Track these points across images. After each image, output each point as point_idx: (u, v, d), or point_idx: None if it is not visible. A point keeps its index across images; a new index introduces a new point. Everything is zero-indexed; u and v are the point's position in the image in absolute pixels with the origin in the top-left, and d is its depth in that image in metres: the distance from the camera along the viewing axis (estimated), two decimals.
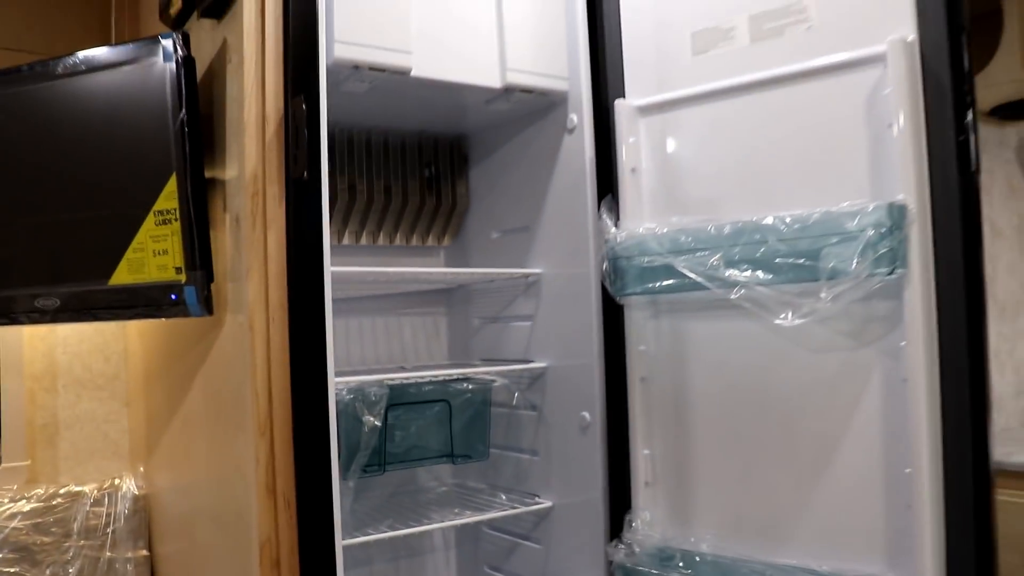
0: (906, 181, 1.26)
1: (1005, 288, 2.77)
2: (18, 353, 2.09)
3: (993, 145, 2.75)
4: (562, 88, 1.66)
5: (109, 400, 2.20)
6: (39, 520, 1.94)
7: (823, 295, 1.26)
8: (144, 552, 2.00)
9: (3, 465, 2.04)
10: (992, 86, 2.38)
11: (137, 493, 2.04)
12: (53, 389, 2.15)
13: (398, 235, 1.95)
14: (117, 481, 2.06)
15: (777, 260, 1.32)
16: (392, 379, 1.58)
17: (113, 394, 2.20)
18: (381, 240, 1.93)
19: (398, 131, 1.91)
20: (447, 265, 2.02)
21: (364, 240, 1.90)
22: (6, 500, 1.94)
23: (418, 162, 1.93)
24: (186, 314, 1.47)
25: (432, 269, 1.94)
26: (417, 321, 2.01)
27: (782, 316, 1.32)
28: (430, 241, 2.00)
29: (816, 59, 1.38)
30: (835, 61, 1.36)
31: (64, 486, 2.02)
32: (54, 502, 1.98)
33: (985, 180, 2.69)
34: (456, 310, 2.03)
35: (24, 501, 1.95)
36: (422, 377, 1.66)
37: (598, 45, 1.64)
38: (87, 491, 2.02)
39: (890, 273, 1.25)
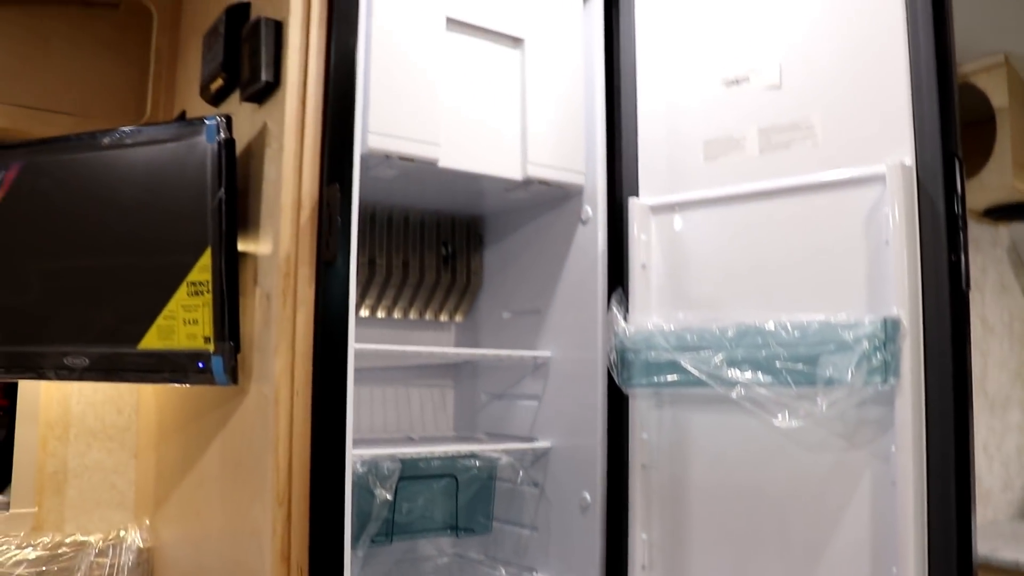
0: (900, 296, 1.35)
1: (995, 382, 2.84)
2: (35, 400, 2.14)
3: (986, 244, 2.84)
4: (579, 182, 1.76)
5: (119, 451, 2.24)
6: (44, 568, 1.98)
7: (819, 401, 1.34)
8: None
9: (11, 511, 2.08)
10: (985, 189, 2.48)
11: (142, 545, 2.08)
12: (65, 437, 2.20)
13: (413, 309, 2.03)
14: (122, 532, 2.10)
15: (777, 363, 1.40)
16: (405, 454, 1.64)
17: (123, 445, 2.25)
18: (396, 314, 2.01)
19: (418, 209, 1.99)
20: (458, 340, 2.10)
21: (380, 313, 1.98)
22: (12, 547, 1.98)
23: (435, 239, 2.01)
24: (212, 382, 1.53)
25: (447, 349, 2.02)
26: (426, 392, 2.08)
27: (779, 417, 1.39)
28: (443, 316, 2.08)
29: (820, 174, 1.47)
30: (837, 178, 1.45)
31: (70, 535, 2.06)
32: (60, 551, 2.02)
33: (978, 277, 2.79)
34: (464, 384, 2.10)
35: (30, 549, 1.99)
36: (433, 453, 1.72)
37: (615, 145, 1.74)
38: (92, 541, 2.06)
39: (883, 383, 1.32)
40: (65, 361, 1.65)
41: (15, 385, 2.13)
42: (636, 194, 1.69)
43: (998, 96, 2.39)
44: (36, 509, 2.12)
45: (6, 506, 2.09)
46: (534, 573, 1.81)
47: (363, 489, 1.55)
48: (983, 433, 2.75)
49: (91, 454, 2.21)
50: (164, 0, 2.23)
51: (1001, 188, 2.45)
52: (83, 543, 2.05)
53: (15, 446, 2.10)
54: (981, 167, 2.46)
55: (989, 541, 2.30)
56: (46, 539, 2.03)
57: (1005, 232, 2.93)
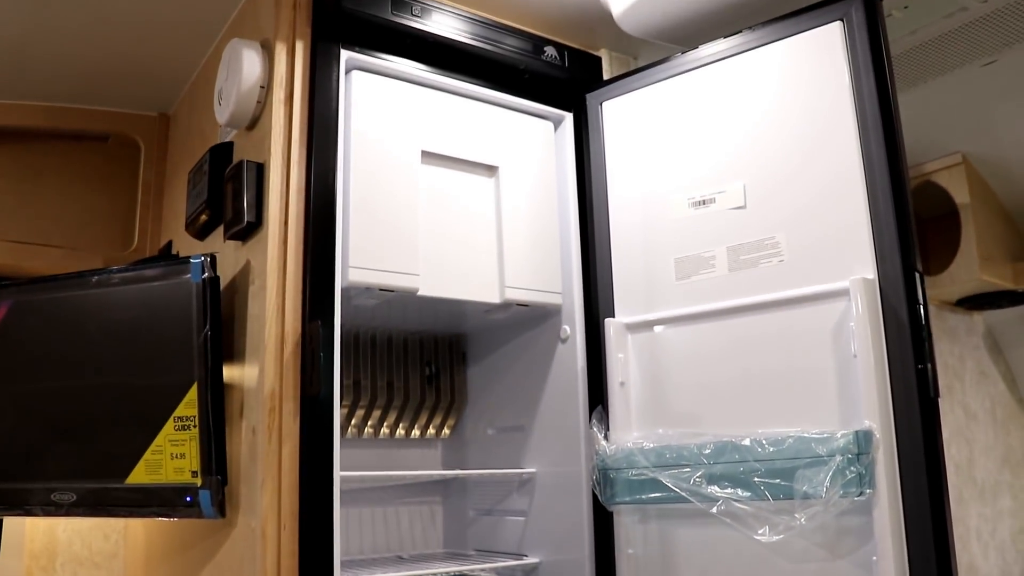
0: (870, 408, 1.38)
1: (983, 469, 2.86)
2: (20, 530, 2.13)
3: (962, 333, 2.90)
4: (556, 302, 1.81)
5: None
6: None
7: (798, 515, 1.36)
8: None
9: None
10: (956, 283, 2.55)
11: None
12: (51, 568, 2.18)
13: (399, 428, 2.05)
14: None
15: (755, 479, 1.43)
16: None
17: (111, 573, 2.23)
18: (382, 433, 2.03)
19: (401, 331, 2.04)
20: (445, 456, 2.11)
21: (366, 433, 2.00)
22: None
23: (419, 359, 2.05)
24: (200, 516, 1.54)
25: (431, 472, 2.04)
26: (415, 510, 2.09)
27: (760, 532, 1.41)
28: (429, 433, 2.10)
29: (786, 290, 1.52)
30: (803, 293, 1.50)
31: None
32: None
33: (957, 366, 2.83)
34: (452, 501, 2.11)
35: None
36: (422, 575, 1.72)
37: (590, 265, 1.80)
38: None
39: (859, 495, 1.35)
40: (52, 497, 1.65)
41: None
42: (612, 313, 1.74)
43: (959, 193, 2.48)
44: None
45: None
46: None
47: None
48: (975, 521, 2.76)
49: None
50: (151, 134, 2.30)
51: (969, 281, 2.51)
52: None
53: None
54: (950, 261, 2.53)
55: None
56: None
57: (980, 319, 2.99)
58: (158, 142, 2.30)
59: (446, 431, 2.12)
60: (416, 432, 2.08)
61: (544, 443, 1.85)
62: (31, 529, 2.15)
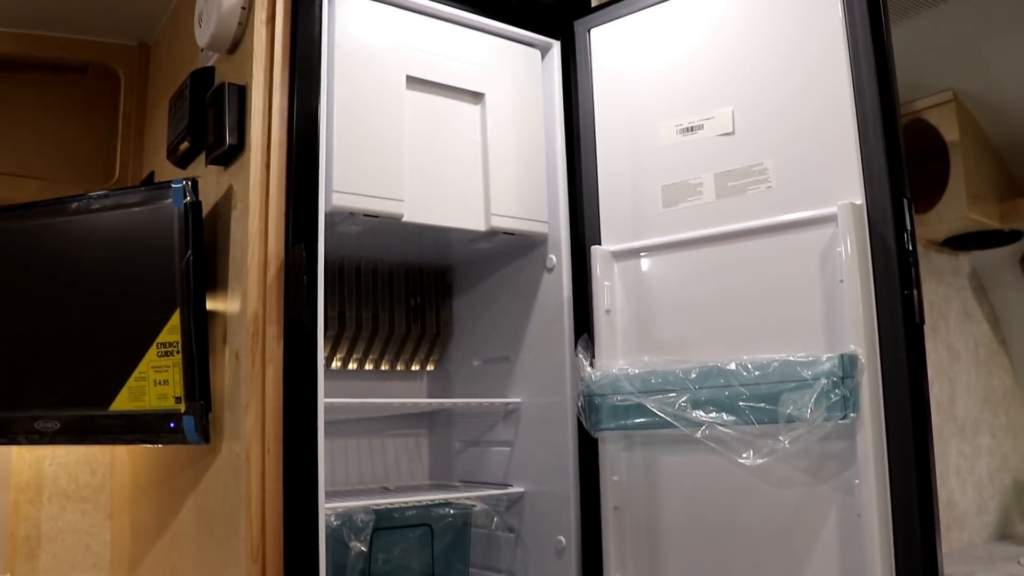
0: (856, 333, 1.38)
1: (964, 407, 2.89)
2: (7, 464, 2.13)
3: (948, 274, 2.91)
4: (542, 231, 1.79)
5: (93, 512, 2.23)
6: None
7: (782, 438, 1.37)
8: None
9: None
10: (943, 221, 2.55)
11: None
12: (38, 501, 2.18)
13: (384, 360, 2.04)
14: None
15: (740, 403, 1.43)
16: (378, 505, 1.65)
17: (97, 506, 2.24)
18: (368, 365, 2.02)
19: (386, 262, 2.02)
20: (431, 389, 2.12)
21: (351, 365, 2.00)
22: None
23: (404, 291, 2.04)
24: (184, 442, 1.54)
25: (417, 400, 2.03)
26: (400, 442, 2.09)
27: (744, 455, 1.42)
28: (414, 366, 2.10)
29: (774, 216, 1.51)
30: (791, 219, 1.49)
31: None
32: None
33: (942, 305, 2.85)
34: (438, 432, 2.12)
35: None
36: (406, 503, 1.73)
37: (576, 194, 1.78)
38: None
39: (843, 418, 1.36)
40: (36, 426, 1.65)
41: None
42: (599, 241, 1.73)
43: (949, 131, 2.47)
44: (8, 575, 2.11)
45: None
46: None
47: (338, 542, 1.56)
48: (954, 458, 2.79)
49: (65, 516, 2.20)
50: (131, 64, 2.26)
51: (957, 220, 2.51)
52: None
53: None
54: (938, 199, 2.53)
55: (966, 565, 2.33)
56: None
57: (966, 260, 2.99)
58: (138, 72, 2.26)
59: (431, 364, 2.11)
60: (401, 365, 2.08)
61: (530, 374, 1.85)
62: (17, 462, 2.15)
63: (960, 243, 2.77)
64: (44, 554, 2.16)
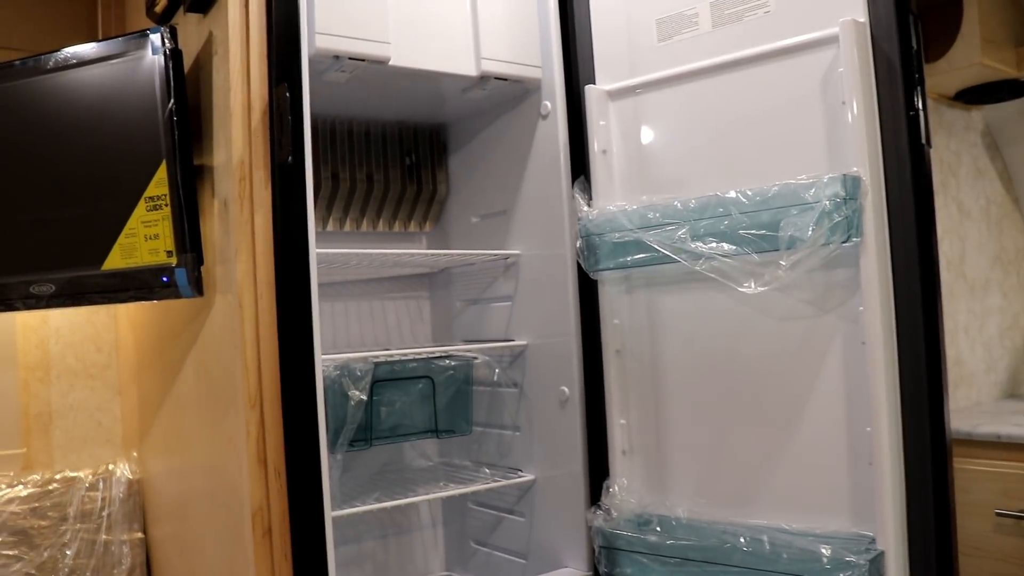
0: (859, 154, 1.34)
1: (974, 266, 2.85)
2: (12, 344, 2.14)
3: (960, 129, 2.82)
4: (535, 76, 1.73)
5: (102, 389, 2.25)
6: (36, 505, 1.99)
7: (783, 263, 1.33)
8: (139, 534, 2.06)
9: None
10: (955, 71, 2.45)
11: (131, 477, 2.09)
12: (46, 379, 2.19)
13: (381, 221, 2.01)
14: (111, 467, 2.11)
15: (740, 232, 1.39)
16: (376, 356, 1.64)
17: (105, 383, 2.26)
18: (364, 227, 1.99)
19: (379, 121, 1.97)
20: (429, 248, 2.09)
21: (348, 227, 1.97)
22: (3, 486, 1.99)
23: (399, 150, 1.99)
24: (177, 295, 1.53)
25: (413, 251, 2.01)
26: (401, 305, 2.08)
27: (746, 285, 1.39)
28: (412, 227, 2.06)
29: (773, 42, 1.45)
30: (791, 43, 1.43)
31: (60, 472, 2.07)
32: (50, 487, 2.03)
33: (952, 162, 2.78)
34: (438, 293, 2.10)
35: (21, 487, 2.00)
36: (405, 355, 1.72)
37: (569, 33, 1.72)
38: (82, 476, 2.07)
39: (845, 241, 1.32)
40: (31, 290, 1.64)
41: None
42: (593, 82, 1.67)
43: None
44: (24, 450, 2.13)
45: None
46: (519, 472, 1.82)
47: (337, 393, 1.56)
48: (963, 317, 2.77)
49: (74, 393, 2.21)
50: None
51: (970, 67, 2.41)
52: (73, 479, 2.06)
53: None
54: (948, 47, 2.43)
55: (971, 419, 2.33)
56: (36, 477, 2.03)
57: (978, 116, 2.91)
58: None
59: (429, 224, 2.08)
60: (399, 226, 2.05)
61: (528, 225, 1.81)
62: (23, 343, 2.16)
63: (973, 96, 2.67)
64: (57, 430, 2.19)
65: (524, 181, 1.81)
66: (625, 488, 1.60)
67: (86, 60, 1.58)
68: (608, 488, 1.61)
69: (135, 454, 2.14)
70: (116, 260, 1.56)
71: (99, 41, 1.60)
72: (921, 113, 1.35)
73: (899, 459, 1.34)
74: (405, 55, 1.59)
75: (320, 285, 1.41)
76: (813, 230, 1.30)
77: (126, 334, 2.20)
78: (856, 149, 1.34)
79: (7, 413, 2.12)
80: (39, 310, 1.84)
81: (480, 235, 1.95)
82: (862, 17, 1.36)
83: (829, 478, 1.41)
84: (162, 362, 1.89)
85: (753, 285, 1.38)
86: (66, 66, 1.59)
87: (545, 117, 1.74)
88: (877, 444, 1.33)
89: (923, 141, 1.36)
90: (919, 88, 1.36)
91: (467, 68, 1.66)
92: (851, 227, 1.32)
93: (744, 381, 1.50)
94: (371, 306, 2.03)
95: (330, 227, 1.94)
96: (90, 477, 2.07)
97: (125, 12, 2.14)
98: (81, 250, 1.60)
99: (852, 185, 1.32)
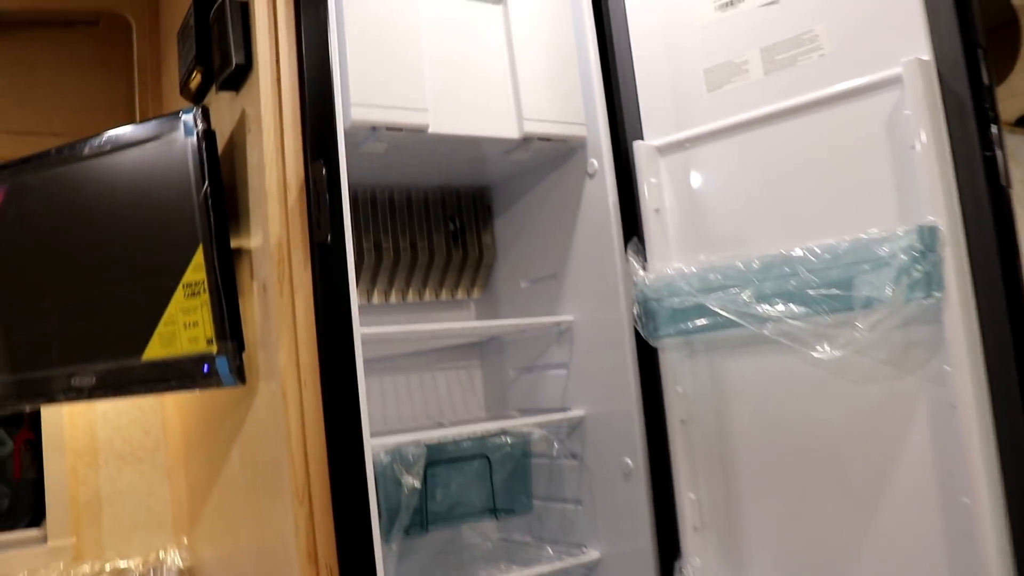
0: (934, 201, 1.24)
1: None
2: (60, 431, 2.10)
3: (1022, 156, 2.70)
4: (580, 134, 1.66)
5: (150, 472, 2.20)
6: None
7: (860, 325, 1.24)
8: None
9: (49, 544, 2.04)
10: (1015, 96, 2.35)
11: (182, 566, 2.03)
12: (95, 464, 2.15)
13: (427, 290, 1.95)
14: (162, 554, 2.05)
15: (809, 292, 1.30)
16: (429, 438, 1.56)
17: (154, 466, 2.21)
18: (411, 297, 1.93)
19: (420, 186, 1.92)
20: (478, 317, 2.02)
21: (393, 298, 1.91)
22: None
23: (442, 216, 1.93)
24: (219, 384, 1.47)
25: (462, 324, 1.93)
26: (452, 375, 2.01)
27: (819, 349, 1.29)
28: (459, 294, 2.00)
29: (831, 86, 1.36)
30: (850, 87, 1.34)
31: (110, 561, 2.01)
32: None
33: (1017, 191, 2.65)
34: (490, 362, 2.02)
35: None
36: (459, 435, 1.64)
37: (613, 88, 1.65)
38: (132, 566, 2.01)
39: (927, 297, 1.22)
40: (72, 382, 1.60)
41: (38, 417, 2.10)
42: (641, 137, 1.60)
43: None
44: (74, 539, 2.08)
45: (43, 539, 2.05)
46: (583, 548, 1.72)
47: (389, 479, 1.48)
48: None
49: (123, 478, 2.17)
50: (142, 9, 2.19)
51: None
52: (123, 570, 2.01)
53: (45, 478, 2.06)
54: (1008, 72, 2.33)
55: None
56: (86, 568, 1.98)
57: None
58: (149, 17, 2.18)
59: (477, 291, 2.01)
60: (446, 294, 1.98)
61: (580, 288, 1.73)
62: (71, 429, 2.12)
63: None
64: (106, 517, 2.14)
65: (574, 243, 1.73)
66: (699, 569, 1.49)
67: (119, 145, 1.55)
68: (681, 569, 1.50)
69: (185, 540, 2.08)
70: (156, 350, 1.51)
71: (134, 124, 1.57)
72: (998, 152, 1.26)
73: (1002, 532, 1.22)
74: (444, 121, 1.53)
75: (366, 360, 1.34)
76: (892, 289, 1.20)
77: (173, 415, 2.16)
78: (931, 196, 1.24)
79: (57, 502, 2.08)
80: (81, 402, 1.80)
81: (531, 300, 1.87)
82: (926, 55, 1.27)
83: (923, 553, 1.29)
84: (209, 446, 1.83)
85: (827, 349, 1.28)
86: (100, 152, 1.57)
87: (592, 176, 1.67)
88: (977, 516, 1.21)
89: (1002, 182, 1.26)
90: (994, 126, 1.26)
91: (509, 131, 1.60)
92: (931, 282, 1.22)
93: (821, 450, 1.40)
94: (421, 378, 1.96)
95: (375, 299, 1.88)
96: (140, 567, 2.01)
97: (162, 91, 2.13)
98: (121, 340, 1.56)
99: (930, 236, 1.22)
